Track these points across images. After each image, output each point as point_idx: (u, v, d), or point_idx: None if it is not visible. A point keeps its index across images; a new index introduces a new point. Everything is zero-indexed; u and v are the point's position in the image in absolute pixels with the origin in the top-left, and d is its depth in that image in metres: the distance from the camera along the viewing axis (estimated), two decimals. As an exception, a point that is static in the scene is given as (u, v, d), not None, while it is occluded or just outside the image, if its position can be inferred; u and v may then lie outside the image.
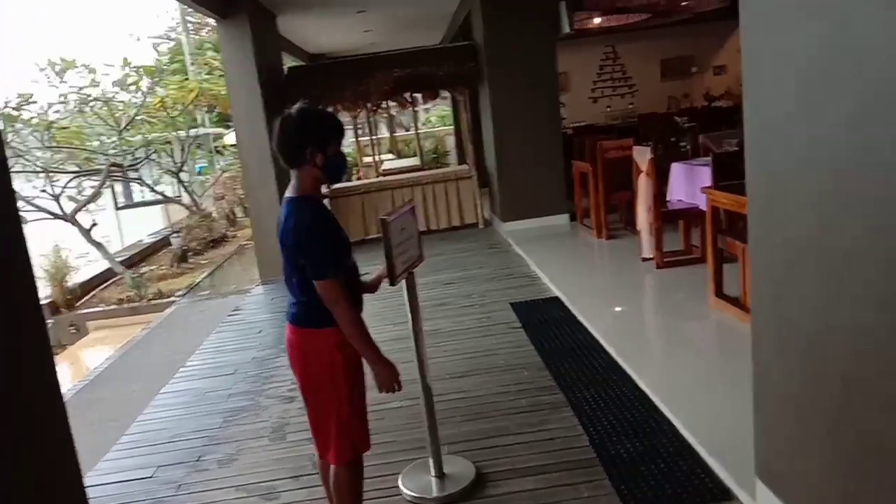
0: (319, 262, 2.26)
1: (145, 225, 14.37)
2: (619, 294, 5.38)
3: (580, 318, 4.85)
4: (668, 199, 5.94)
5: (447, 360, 4.39)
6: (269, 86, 7.43)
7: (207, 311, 7.08)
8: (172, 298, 8.37)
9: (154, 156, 11.58)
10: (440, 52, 8.77)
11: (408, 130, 22.10)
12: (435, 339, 4.82)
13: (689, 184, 5.79)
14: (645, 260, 5.88)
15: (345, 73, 8.24)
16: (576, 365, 4.09)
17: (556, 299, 5.41)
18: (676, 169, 6.05)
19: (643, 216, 5.82)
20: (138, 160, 11.03)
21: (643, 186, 5.79)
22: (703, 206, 5.34)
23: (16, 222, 1.81)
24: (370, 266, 2.93)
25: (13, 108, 9.02)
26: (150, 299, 8.91)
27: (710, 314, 4.55)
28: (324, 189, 2.55)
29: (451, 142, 16.99)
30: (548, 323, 4.88)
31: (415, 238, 2.90)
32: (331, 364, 2.36)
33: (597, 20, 12.08)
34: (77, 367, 8.20)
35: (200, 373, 4.93)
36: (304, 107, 2.32)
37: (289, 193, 2.35)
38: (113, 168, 10.18)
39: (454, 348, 4.62)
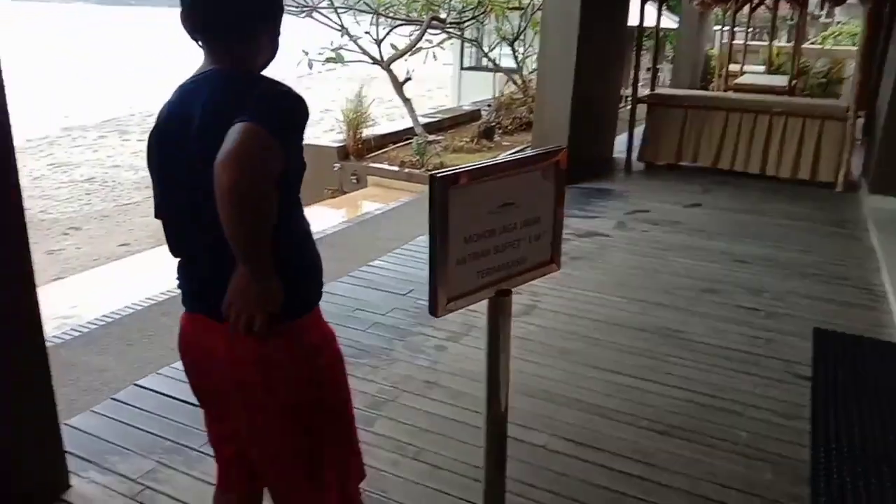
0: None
1: (486, 91, 13.91)
2: None
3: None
4: None
5: (664, 394, 2.82)
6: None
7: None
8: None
9: (483, 18, 10.70)
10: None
11: (812, 43, 18.04)
12: (670, 346, 3.23)
13: None
14: None
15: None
16: None
17: (899, 350, 3.30)
18: None
19: None
20: (464, 19, 10.26)
21: None
22: None
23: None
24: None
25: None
26: (429, 169, 8.40)
27: None
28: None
29: (851, 68, 13.27)
30: (862, 388, 2.92)
31: (547, 221, 1.43)
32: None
33: None
34: (350, 213, 8.20)
35: (376, 279, 4.05)
36: None
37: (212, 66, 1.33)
38: (434, 21, 9.56)
39: (686, 375, 2.98)
